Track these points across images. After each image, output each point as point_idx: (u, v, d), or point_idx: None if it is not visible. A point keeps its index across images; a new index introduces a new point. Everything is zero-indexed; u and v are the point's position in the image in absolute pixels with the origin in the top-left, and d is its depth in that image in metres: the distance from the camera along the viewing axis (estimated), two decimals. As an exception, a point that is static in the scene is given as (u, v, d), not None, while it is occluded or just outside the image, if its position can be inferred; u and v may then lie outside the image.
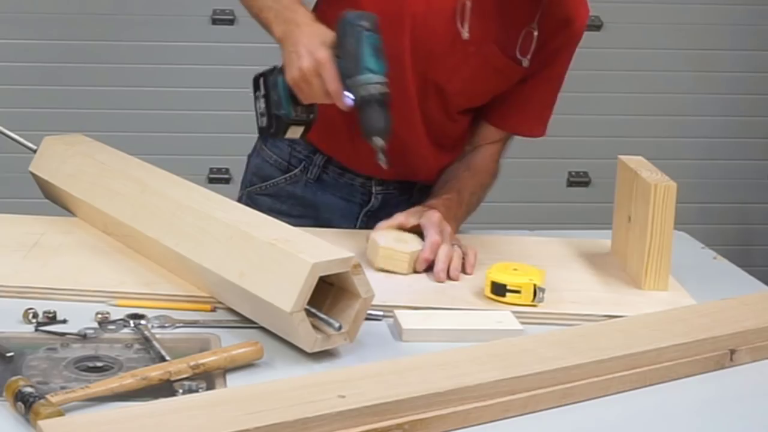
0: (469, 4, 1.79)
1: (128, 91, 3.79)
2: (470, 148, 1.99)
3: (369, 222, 2.01)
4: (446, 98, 1.90)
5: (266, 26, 1.78)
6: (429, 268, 1.71)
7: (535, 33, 1.82)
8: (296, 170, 2.02)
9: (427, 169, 1.99)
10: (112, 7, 3.75)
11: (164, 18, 3.78)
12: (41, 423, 1.15)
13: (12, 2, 3.68)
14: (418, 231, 1.77)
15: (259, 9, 1.79)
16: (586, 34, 1.92)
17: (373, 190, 2.01)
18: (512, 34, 1.84)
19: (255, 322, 1.51)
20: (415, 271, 1.71)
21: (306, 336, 1.41)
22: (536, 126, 2.00)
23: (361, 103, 1.61)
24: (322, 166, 2.00)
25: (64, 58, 3.75)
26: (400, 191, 2.03)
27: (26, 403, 1.22)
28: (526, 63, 1.85)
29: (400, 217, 1.78)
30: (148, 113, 3.82)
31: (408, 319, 1.54)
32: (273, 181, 2.03)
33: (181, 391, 1.31)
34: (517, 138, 2.02)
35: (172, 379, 1.32)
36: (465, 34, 1.81)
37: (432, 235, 1.73)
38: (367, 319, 1.48)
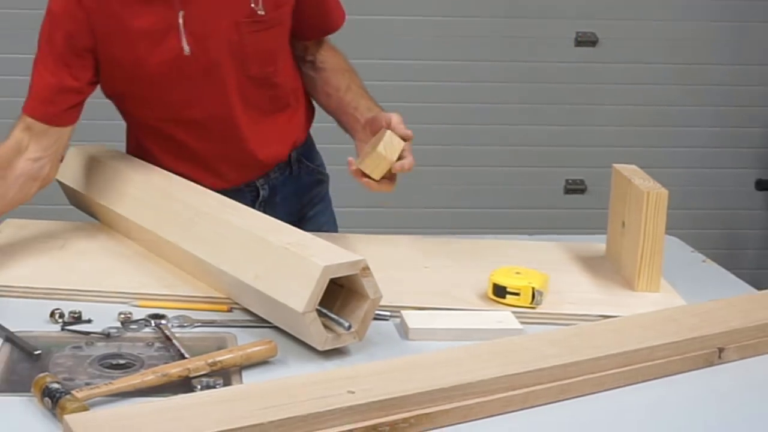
0: None
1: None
2: (318, 66, 2.00)
3: (267, 211, 1.90)
4: (248, 69, 1.87)
5: None
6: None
7: None
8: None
9: (260, 140, 1.94)
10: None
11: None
12: (67, 417, 1.18)
13: (13, 2, 3.62)
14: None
15: None
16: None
17: (258, 184, 1.99)
18: None
19: (269, 322, 1.53)
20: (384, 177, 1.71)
21: (317, 335, 1.44)
22: (338, 17, 2.00)
23: None
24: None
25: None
26: (280, 173, 2.01)
27: (53, 399, 1.25)
28: (261, 11, 1.82)
29: (366, 148, 1.76)
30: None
31: (414, 319, 1.56)
32: None
33: (199, 387, 1.34)
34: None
35: (191, 375, 1.35)
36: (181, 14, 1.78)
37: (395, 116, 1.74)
38: (375, 318, 1.51)
